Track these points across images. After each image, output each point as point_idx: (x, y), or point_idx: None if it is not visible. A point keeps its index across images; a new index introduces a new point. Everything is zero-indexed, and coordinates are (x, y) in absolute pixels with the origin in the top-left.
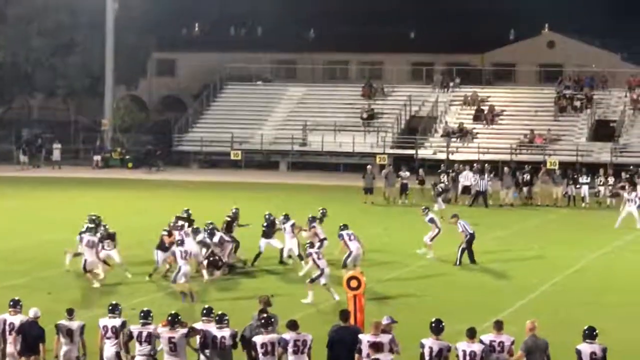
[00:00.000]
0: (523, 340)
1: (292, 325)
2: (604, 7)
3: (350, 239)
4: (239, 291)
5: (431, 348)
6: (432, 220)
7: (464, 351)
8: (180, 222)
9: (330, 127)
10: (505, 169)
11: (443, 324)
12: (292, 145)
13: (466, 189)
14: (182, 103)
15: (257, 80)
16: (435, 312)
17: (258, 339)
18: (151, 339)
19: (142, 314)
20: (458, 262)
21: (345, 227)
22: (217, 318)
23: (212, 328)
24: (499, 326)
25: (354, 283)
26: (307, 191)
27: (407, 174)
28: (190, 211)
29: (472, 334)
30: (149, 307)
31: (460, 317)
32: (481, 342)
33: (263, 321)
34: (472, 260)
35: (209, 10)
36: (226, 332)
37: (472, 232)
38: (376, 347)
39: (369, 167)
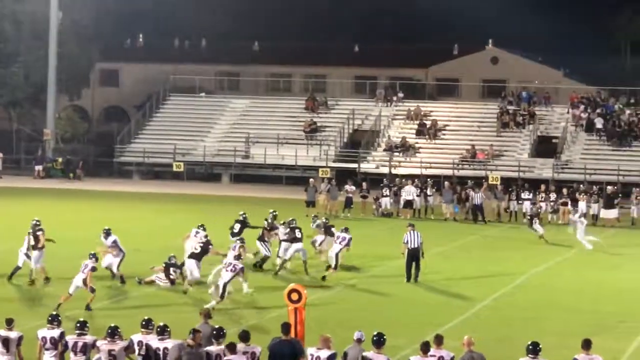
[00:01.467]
0: (460, 356)
1: (243, 337)
2: (547, 23)
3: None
4: (178, 303)
5: None
6: (318, 226)
7: None
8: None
9: (273, 139)
10: (446, 183)
11: (384, 337)
12: (234, 157)
13: (408, 204)
14: (125, 114)
15: (200, 91)
16: (375, 326)
17: (211, 349)
18: (86, 349)
19: (78, 325)
20: (407, 278)
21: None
22: (158, 329)
23: (152, 340)
24: (439, 341)
25: (294, 296)
26: (249, 204)
27: (353, 188)
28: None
29: (426, 348)
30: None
31: (400, 332)
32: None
33: (215, 332)
34: (409, 277)
35: (153, 21)
36: (169, 344)
37: (413, 246)
38: None
39: (311, 180)
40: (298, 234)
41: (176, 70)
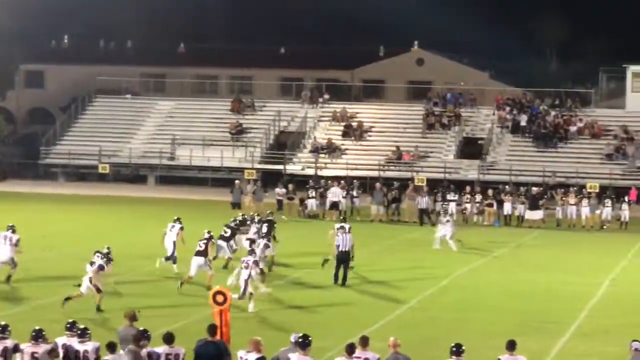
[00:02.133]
0: (386, 357)
1: (167, 339)
2: (472, 25)
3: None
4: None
5: None
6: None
7: None
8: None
9: (198, 141)
10: (377, 185)
11: (310, 339)
12: (160, 159)
13: (334, 205)
14: (50, 115)
15: (126, 93)
16: (302, 328)
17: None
18: (7, 353)
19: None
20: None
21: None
22: (79, 332)
23: (74, 342)
24: (364, 342)
25: (219, 298)
26: (174, 205)
27: (283, 190)
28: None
29: (351, 350)
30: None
31: (326, 333)
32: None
33: (139, 335)
34: (336, 280)
35: (79, 22)
36: (89, 346)
37: (344, 249)
38: None
39: (237, 182)
40: (264, 229)
41: (102, 72)
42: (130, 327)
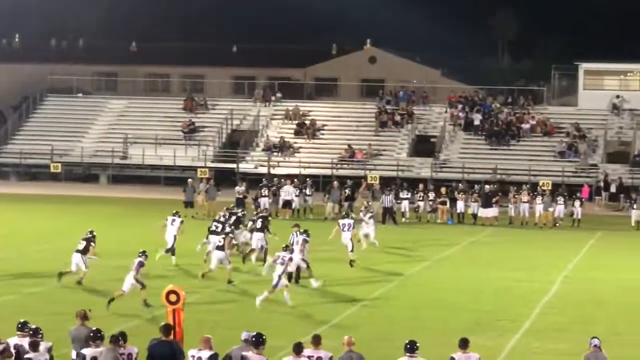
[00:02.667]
0: (339, 355)
1: (117, 339)
2: (425, 23)
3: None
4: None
5: None
6: None
7: None
8: None
9: (151, 140)
10: (335, 183)
11: (264, 337)
12: (112, 158)
13: (287, 204)
14: (1, 115)
15: (77, 92)
16: (255, 326)
17: (88, 352)
18: None
19: None
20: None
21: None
22: (31, 332)
23: (25, 342)
24: (316, 341)
25: (172, 297)
26: (127, 205)
27: (243, 188)
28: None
29: (299, 349)
30: None
31: (280, 332)
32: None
33: (92, 334)
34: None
35: (30, 21)
36: (40, 346)
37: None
38: None
39: (189, 180)
40: (259, 224)
41: (53, 71)
42: (82, 327)
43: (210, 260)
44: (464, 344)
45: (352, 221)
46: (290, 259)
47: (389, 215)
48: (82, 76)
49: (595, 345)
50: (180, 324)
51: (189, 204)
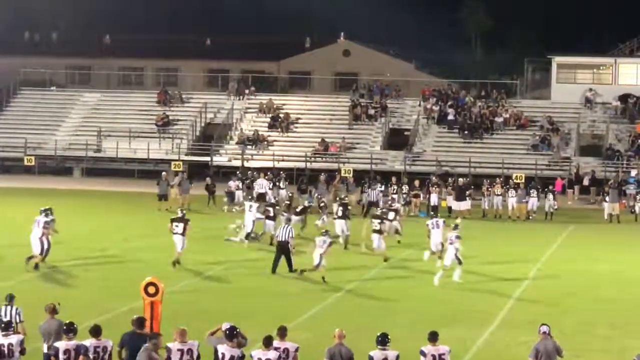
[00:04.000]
0: (329, 347)
1: (94, 331)
2: (398, 16)
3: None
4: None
5: (223, 354)
6: None
7: (259, 359)
8: None
9: (125, 133)
10: (322, 177)
11: (237, 330)
12: (86, 151)
13: (261, 196)
14: None
15: (51, 85)
16: (229, 319)
17: (61, 345)
18: None
19: None
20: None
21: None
22: (2, 326)
23: None
24: (282, 333)
25: (151, 289)
26: (101, 198)
27: (237, 182)
28: None
29: (268, 342)
30: None
31: (254, 323)
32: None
33: (65, 327)
34: (274, 269)
35: (3, 14)
36: (13, 339)
37: (282, 239)
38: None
39: (163, 173)
40: (271, 213)
41: (26, 64)
42: (52, 320)
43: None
44: (433, 337)
45: (442, 220)
46: (330, 244)
47: (374, 209)
48: (55, 69)
49: (544, 332)
50: (158, 317)
51: (162, 197)
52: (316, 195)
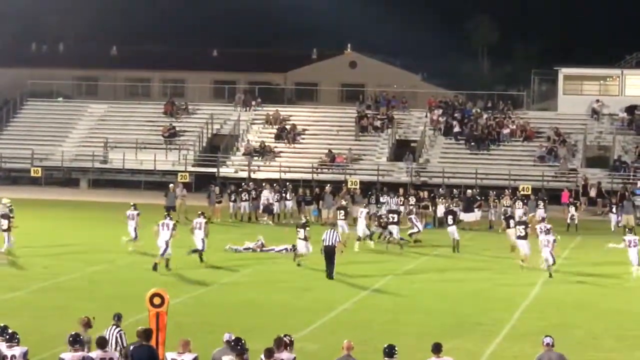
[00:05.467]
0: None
1: (100, 343)
2: (405, 28)
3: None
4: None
5: None
6: None
7: None
8: None
9: (131, 144)
10: (327, 188)
11: (243, 342)
12: (93, 162)
13: (267, 208)
14: None
15: (58, 96)
16: (234, 331)
17: (66, 357)
18: None
19: None
20: None
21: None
22: (7, 337)
23: (2, 347)
24: (279, 344)
25: (157, 300)
26: (107, 209)
27: (273, 194)
28: None
29: (269, 354)
30: None
31: (260, 335)
32: None
33: (71, 339)
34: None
35: (10, 25)
36: (16, 351)
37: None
38: None
39: (171, 185)
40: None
41: (33, 75)
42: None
43: None
44: (437, 349)
45: (637, 238)
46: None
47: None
48: (62, 80)
49: (547, 344)
50: (164, 328)
51: (170, 208)
52: (323, 206)
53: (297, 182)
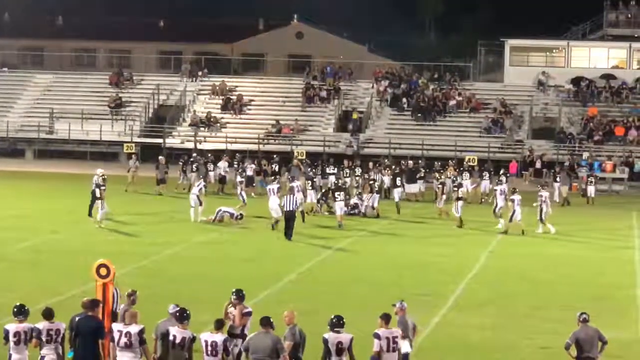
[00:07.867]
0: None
1: (47, 314)
2: None
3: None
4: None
5: (175, 336)
6: None
7: (206, 341)
8: None
9: (77, 115)
10: (295, 161)
11: (188, 312)
12: (38, 133)
13: (222, 179)
14: None
15: (3, 67)
16: (180, 301)
17: (11, 328)
18: None
19: None
20: None
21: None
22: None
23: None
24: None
25: (103, 271)
26: (53, 179)
27: (252, 166)
28: None
29: (219, 325)
30: None
31: (205, 307)
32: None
33: (16, 309)
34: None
35: None
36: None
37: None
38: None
39: (160, 157)
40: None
41: None
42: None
43: None
44: (386, 318)
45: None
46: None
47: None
48: (7, 50)
49: (584, 320)
50: (109, 299)
51: (161, 180)
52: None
53: (244, 153)
